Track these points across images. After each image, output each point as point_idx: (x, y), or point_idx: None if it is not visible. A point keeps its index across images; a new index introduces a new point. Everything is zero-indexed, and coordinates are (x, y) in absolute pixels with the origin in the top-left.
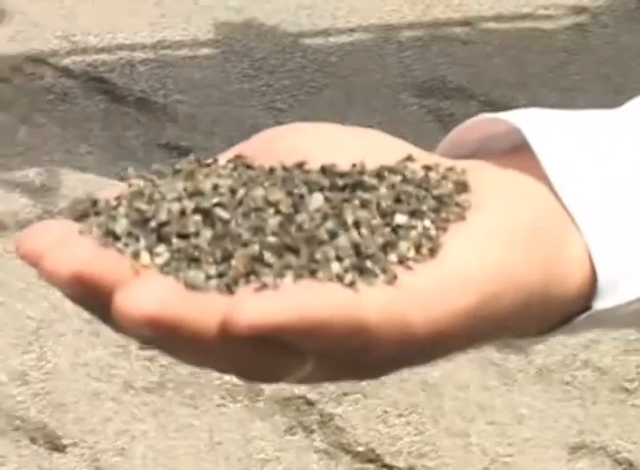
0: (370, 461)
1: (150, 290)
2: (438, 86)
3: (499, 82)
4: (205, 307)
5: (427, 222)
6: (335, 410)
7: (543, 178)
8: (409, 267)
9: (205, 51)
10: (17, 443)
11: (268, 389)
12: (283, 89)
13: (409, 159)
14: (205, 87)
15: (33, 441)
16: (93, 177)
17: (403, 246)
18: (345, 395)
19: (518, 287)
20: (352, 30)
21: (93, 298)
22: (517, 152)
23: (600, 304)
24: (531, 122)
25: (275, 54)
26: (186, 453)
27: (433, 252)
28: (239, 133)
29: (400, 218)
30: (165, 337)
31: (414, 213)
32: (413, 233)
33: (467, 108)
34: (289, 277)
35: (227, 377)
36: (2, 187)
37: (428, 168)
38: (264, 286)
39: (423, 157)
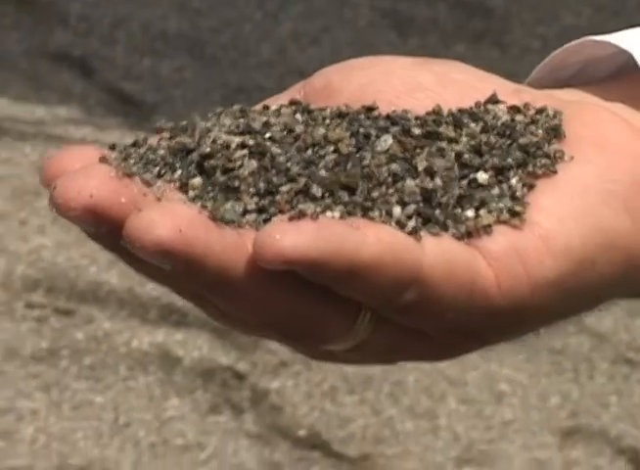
0: (314, 448)
1: (167, 214)
2: None
3: None
4: (234, 240)
5: (513, 181)
6: (270, 385)
7: None
8: (487, 229)
9: None
10: None
11: (187, 358)
12: None
13: (493, 99)
14: None
15: None
16: None
17: (482, 204)
18: (284, 365)
19: (615, 251)
20: None
21: (108, 232)
22: (622, 76)
23: None
24: None
25: None
26: (85, 437)
27: (517, 214)
28: (145, 39)
29: (482, 176)
30: (185, 272)
31: (498, 170)
32: (495, 191)
33: (432, 10)
34: (336, 212)
35: (135, 343)
36: None
37: (515, 111)
38: (301, 215)
39: (511, 93)
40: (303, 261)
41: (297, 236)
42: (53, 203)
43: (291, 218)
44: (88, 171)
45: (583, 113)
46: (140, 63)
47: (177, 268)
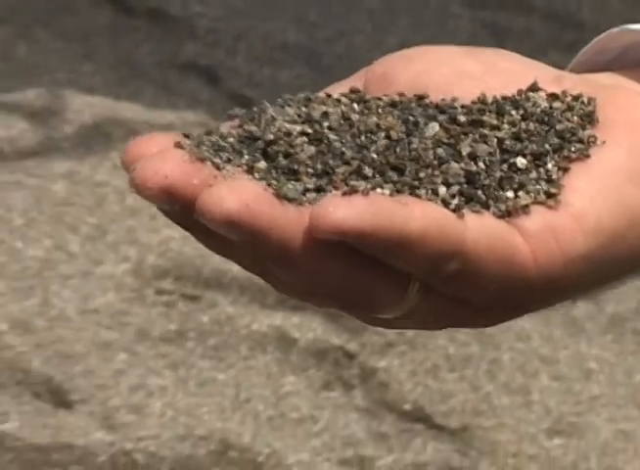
0: (418, 421)
1: (235, 190)
2: None
3: None
4: (295, 215)
5: (549, 165)
6: (378, 364)
7: None
8: (525, 208)
9: None
10: (18, 398)
11: (303, 339)
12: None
13: (534, 87)
14: None
15: (37, 396)
16: (100, 99)
17: (521, 186)
18: (390, 346)
19: None
20: None
21: (181, 210)
22: None
23: None
24: None
25: None
26: (209, 412)
27: (552, 195)
28: (266, 50)
29: (521, 161)
30: (251, 243)
31: (536, 155)
32: (533, 175)
33: (527, 21)
34: (386, 190)
35: (255, 326)
36: None
37: (553, 98)
38: (354, 191)
39: (552, 80)
40: (354, 232)
41: (348, 209)
42: (132, 183)
43: (344, 194)
44: (164, 155)
45: (617, 97)
46: (261, 71)
47: (243, 239)
